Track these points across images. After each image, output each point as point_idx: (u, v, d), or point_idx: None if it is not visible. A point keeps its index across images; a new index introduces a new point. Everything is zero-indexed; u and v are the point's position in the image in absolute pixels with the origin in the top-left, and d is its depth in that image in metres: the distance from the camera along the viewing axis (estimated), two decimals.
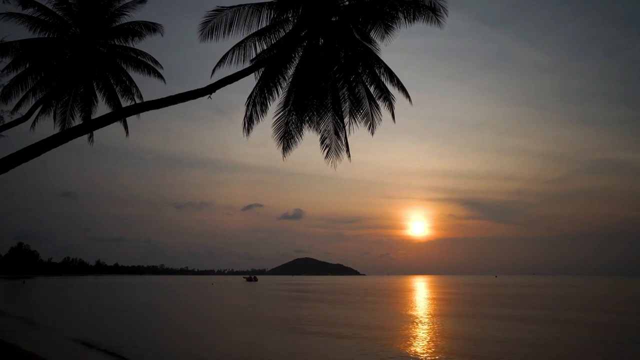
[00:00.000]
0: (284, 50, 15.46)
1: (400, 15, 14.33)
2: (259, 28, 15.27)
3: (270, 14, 14.90)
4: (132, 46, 20.23)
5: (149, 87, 24.47)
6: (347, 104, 16.60)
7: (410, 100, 16.41)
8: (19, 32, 19.10)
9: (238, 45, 15.60)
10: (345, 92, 16.41)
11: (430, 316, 32.25)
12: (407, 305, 43.03)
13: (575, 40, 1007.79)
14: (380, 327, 25.50)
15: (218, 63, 15.68)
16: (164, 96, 13.32)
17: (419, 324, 27.08)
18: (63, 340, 20.56)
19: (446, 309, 38.82)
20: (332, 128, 16.77)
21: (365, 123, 16.75)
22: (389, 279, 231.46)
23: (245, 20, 14.79)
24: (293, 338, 21.69)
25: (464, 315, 33.42)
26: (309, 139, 16.93)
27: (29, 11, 18.82)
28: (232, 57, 15.65)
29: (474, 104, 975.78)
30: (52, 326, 25.98)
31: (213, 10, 14.62)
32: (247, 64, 15.50)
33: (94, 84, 21.02)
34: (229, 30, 14.82)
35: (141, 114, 18.13)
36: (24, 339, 19.89)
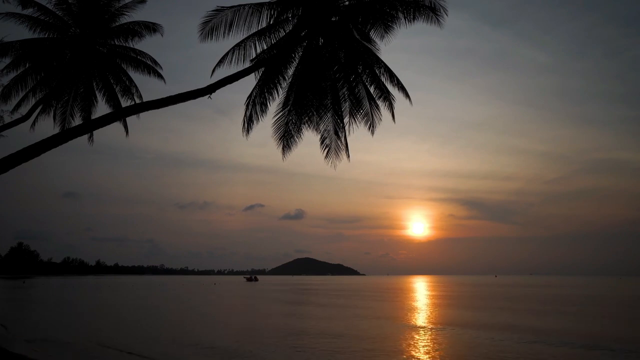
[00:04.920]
0: (284, 50, 15.46)
1: (400, 15, 14.35)
2: (259, 28, 15.28)
3: (270, 14, 14.92)
4: (132, 46, 20.26)
5: (149, 87, 24.51)
6: (347, 104, 16.60)
7: (410, 100, 16.42)
8: (19, 32, 19.12)
9: (238, 45, 15.61)
10: (345, 92, 16.41)
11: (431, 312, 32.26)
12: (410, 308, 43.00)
13: (575, 40, 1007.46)
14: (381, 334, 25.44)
15: (218, 63, 15.69)
16: (164, 96, 13.35)
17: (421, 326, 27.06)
18: (66, 344, 20.39)
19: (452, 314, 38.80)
20: (332, 128, 16.77)
21: (365, 123, 16.76)
22: (389, 279, 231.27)
23: (245, 20, 14.80)
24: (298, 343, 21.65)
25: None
26: (309, 139, 16.94)
27: (29, 11, 18.84)
28: (232, 57, 15.66)
29: (474, 104, 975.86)
30: (54, 330, 25.92)
31: (213, 10, 14.64)
32: (247, 64, 15.50)
33: (94, 84, 21.03)
34: (229, 30, 14.85)
35: (141, 114, 18.14)
36: (26, 346, 19.63)
